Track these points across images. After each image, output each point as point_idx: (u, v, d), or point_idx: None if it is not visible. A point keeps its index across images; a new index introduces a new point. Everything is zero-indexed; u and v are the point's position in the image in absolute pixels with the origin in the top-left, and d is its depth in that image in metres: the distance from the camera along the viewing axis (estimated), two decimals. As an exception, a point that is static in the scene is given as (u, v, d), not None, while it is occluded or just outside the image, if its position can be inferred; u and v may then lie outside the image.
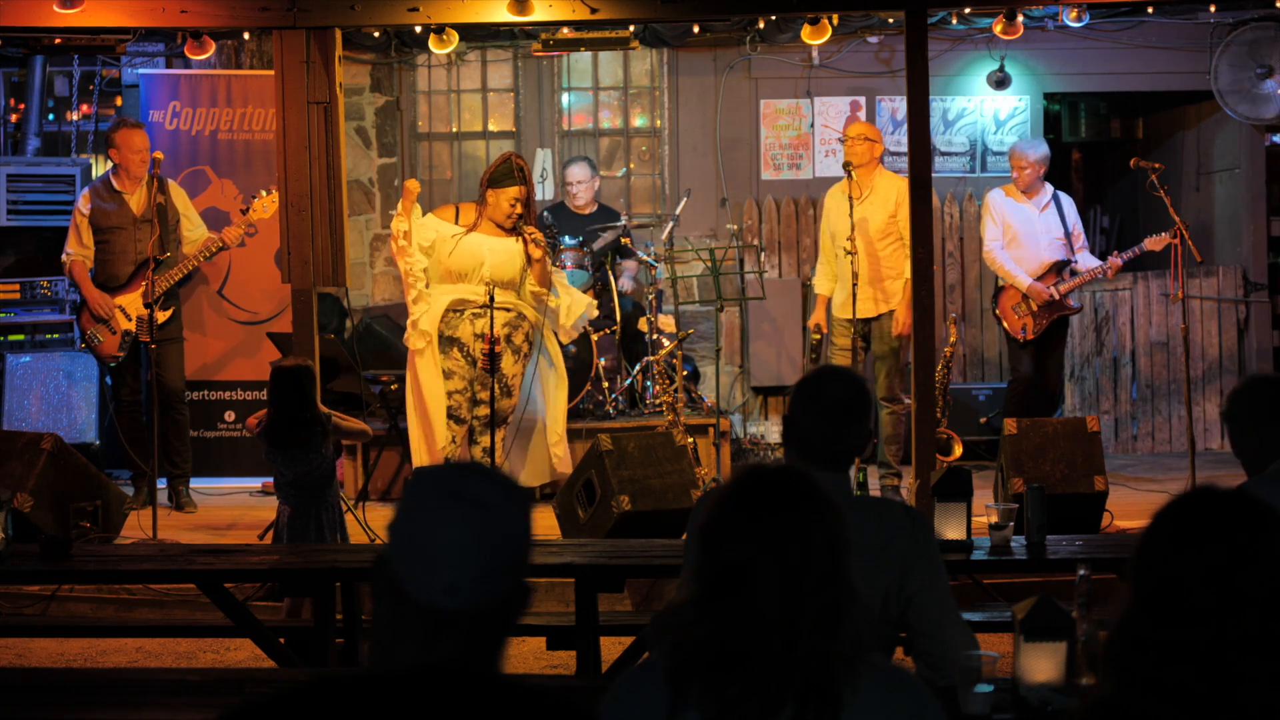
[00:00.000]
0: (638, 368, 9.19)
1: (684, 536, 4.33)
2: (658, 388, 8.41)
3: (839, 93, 10.35)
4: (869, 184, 8.32)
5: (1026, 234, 8.85)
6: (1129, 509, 7.50)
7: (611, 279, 9.12)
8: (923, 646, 3.35)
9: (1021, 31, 8.17)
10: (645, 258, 9.26)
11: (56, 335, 9.45)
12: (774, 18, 9.53)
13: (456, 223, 7.50)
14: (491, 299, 7.12)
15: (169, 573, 5.54)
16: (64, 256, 8.41)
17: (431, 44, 7.85)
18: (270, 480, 7.08)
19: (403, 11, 7.40)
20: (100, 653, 6.66)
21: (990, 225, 8.89)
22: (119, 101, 10.43)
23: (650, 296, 9.14)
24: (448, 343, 7.49)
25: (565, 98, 10.69)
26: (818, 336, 8.57)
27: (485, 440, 7.42)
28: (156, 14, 7.37)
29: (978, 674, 3.24)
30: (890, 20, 9.75)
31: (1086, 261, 8.87)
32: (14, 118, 10.53)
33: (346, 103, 8.81)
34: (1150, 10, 9.26)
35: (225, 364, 9.43)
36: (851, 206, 8.07)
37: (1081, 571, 3.47)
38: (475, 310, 7.40)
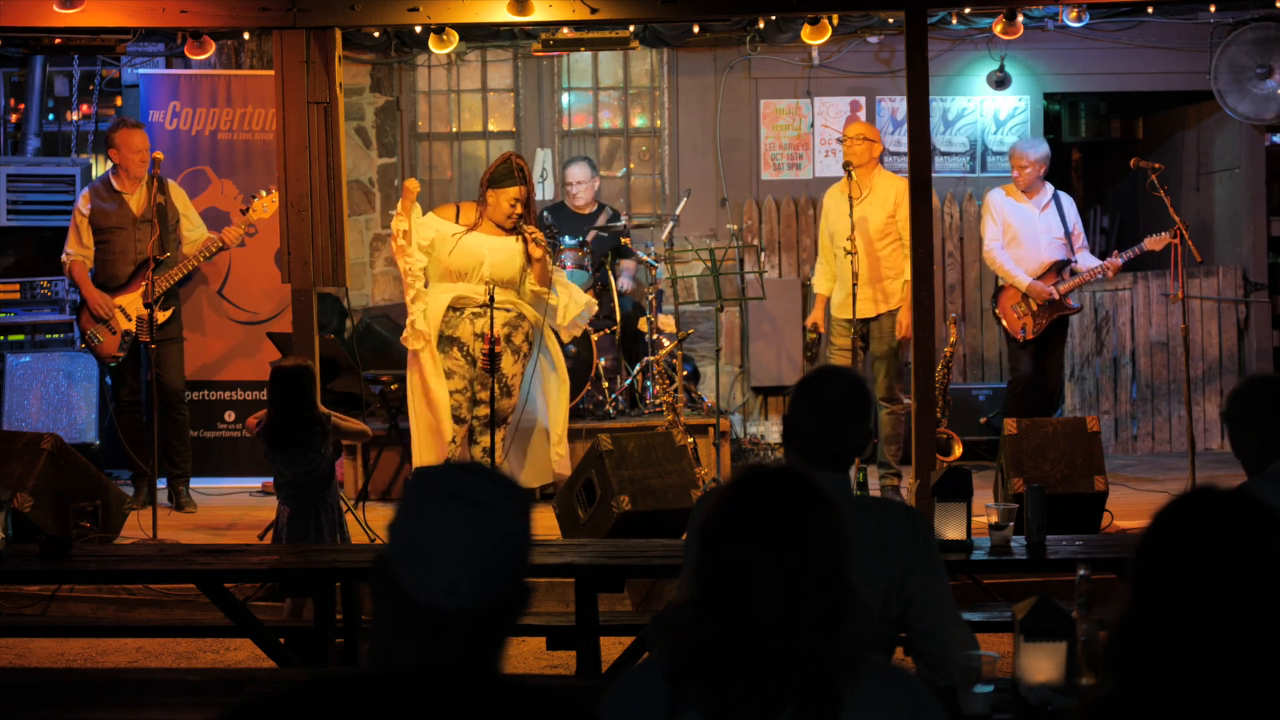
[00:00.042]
0: (638, 368, 9.19)
1: (684, 536, 4.34)
2: (658, 388, 8.41)
3: (839, 93, 10.35)
4: (868, 184, 8.33)
5: (1027, 234, 8.84)
6: (1129, 509, 7.50)
7: (611, 279, 9.12)
8: (923, 646, 3.35)
9: (1021, 31, 8.17)
10: (645, 258, 9.27)
11: (56, 335, 9.45)
12: (774, 18, 9.54)
13: (457, 222, 7.50)
14: (491, 299, 7.12)
15: (169, 573, 5.54)
16: (64, 256, 8.41)
17: (431, 44, 7.85)
18: (270, 480, 7.08)
19: (403, 11, 7.40)
20: (100, 653, 6.66)
21: (990, 225, 8.89)
22: (119, 101, 10.43)
23: (650, 296, 9.14)
24: (447, 342, 7.49)
25: (565, 98, 10.69)
26: (814, 335, 8.57)
27: (485, 440, 7.42)
28: (156, 14, 7.37)
29: (978, 674, 3.24)
30: (890, 20, 9.75)
31: (1086, 261, 8.87)
32: (14, 118, 10.53)
33: (346, 103, 8.81)
34: (1150, 10, 9.26)
35: (225, 364, 9.43)
36: (851, 206, 8.07)
37: (1081, 571, 3.47)
38: (475, 310, 7.40)
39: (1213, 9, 9.21)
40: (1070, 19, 8.93)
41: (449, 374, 7.49)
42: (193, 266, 8.35)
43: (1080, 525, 6.86)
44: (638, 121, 10.70)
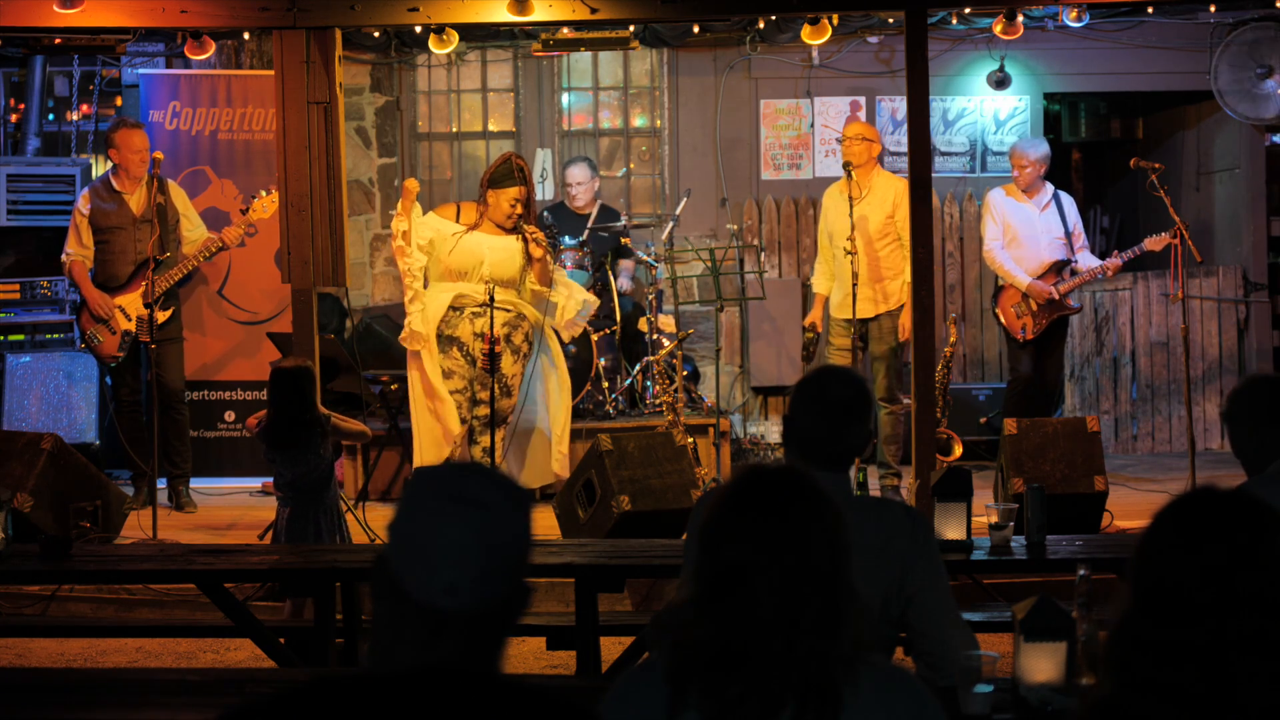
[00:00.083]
0: (638, 368, 9.19)
1: (684, 536, 4.34)
2: (658, 388, 8.41)
3: (839, 93, 10.35)
4: (867, 184, 8.32)
5: (1027, 233, 8.84)
6: (1129, 509, 7.50)
7: (611, 279, 9.12)
8: (923, 646, 3.35)
9: (1021, 31, 8.17)
10: (645, 257, 9.27)
11: (56, 335, 9.45)
12: (774, 18, 9.54)
13: (457, 222, 7.50)
14: (491, 298, 7.12)
15: (169, 573, 5.54)
16: (64, 256, 8.42)
17: (431, 44, 7.85)
18: (270, 480, 7.08)
19: (403, 11, 7.40)
20: (100, 653, 6.66)
21: (990, 224, 8.89)
22: (119, 101, 10.43)
23: (650, 296, 9.14)
24: (447, 342, 7.49)
25: (565, 98, 10.69)
26: (811, 335, 8.57)
27: (485, 440, 7.42)
28: (156, 14, 7.37)
29: (978, 674, 3.24)
30: (890, 20, 9.75)
31: (1086, 261, 8.87)
32: (14, 118, 10.53)
33: (346, 103, 8.81)
34: (1150, 10, 9.26)
35: (225, 364, 9.43)
36: (851, 206, 8.07)
37: (1081, 571, 3.47)
38: (475, 309, 7.40)
39: (1213, 9, 9.21)
40: (1070, 19, 8.93)
41: (449, 374, 7.49)
42: (193, 266, 8.35)
43: (1080, 525, 6.86)
44: (638, 121, 10.70)
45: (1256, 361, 10.14)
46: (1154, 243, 8.61)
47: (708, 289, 9.16)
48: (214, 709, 3.34)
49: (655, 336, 8.98)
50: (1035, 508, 5.13)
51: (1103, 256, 9.08)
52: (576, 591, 5.33)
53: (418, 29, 8.82)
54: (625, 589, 6.54)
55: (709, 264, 8.62)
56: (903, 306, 8.22)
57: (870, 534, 3.17)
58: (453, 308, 7.47)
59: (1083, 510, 7.03)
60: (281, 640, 5.52)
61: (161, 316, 8.06)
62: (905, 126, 7.72)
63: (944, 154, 10.32)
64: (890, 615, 3.29)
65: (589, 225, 9.27)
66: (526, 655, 6.38)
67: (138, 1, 7.36)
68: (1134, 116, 11.53)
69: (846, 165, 8.28)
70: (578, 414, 8.56)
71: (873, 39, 10.19)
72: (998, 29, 8.21)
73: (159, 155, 7.97)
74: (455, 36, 7.78)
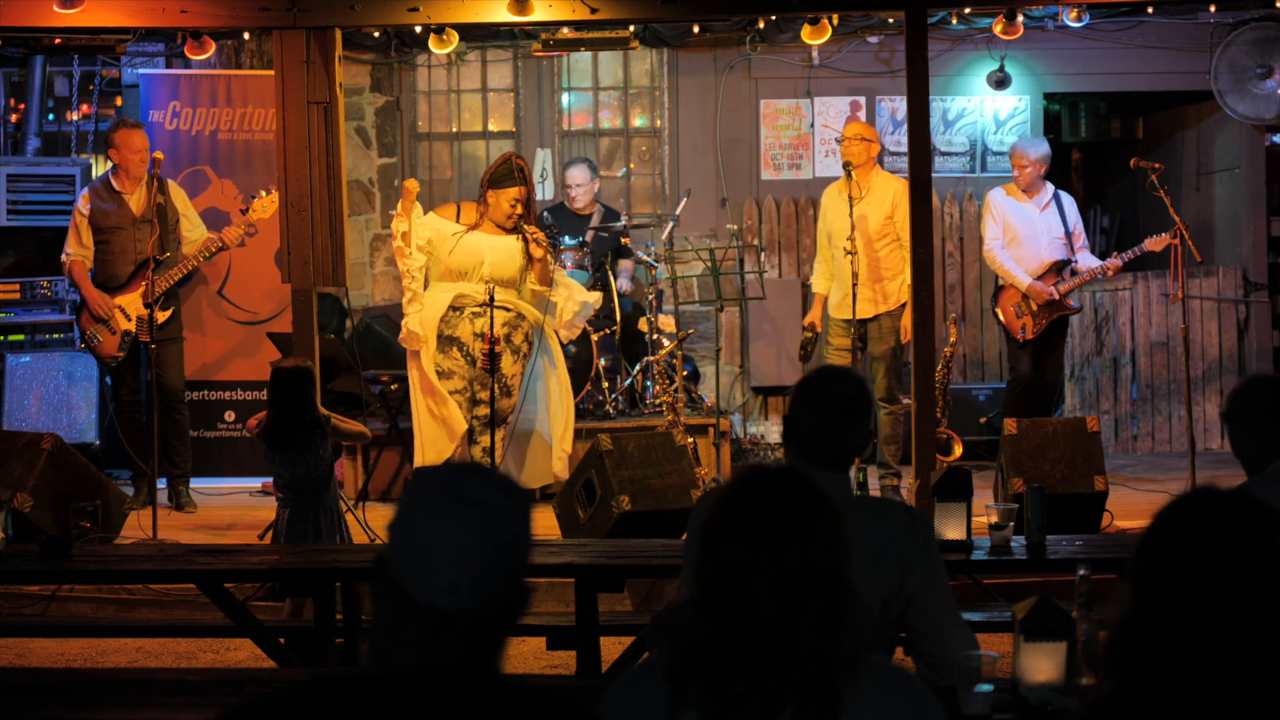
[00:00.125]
0: (638, 368, 9.19)
1: (684, 536, 4.33)
2: (658, 388, 8.41)
3: (839, 93, 10.35)
4: (866, 184, 8.32)
5: (1027, 233, 8.84)
6: (1129, 509, 7.50)
7: (611, 279, 9.12)
8: (923, 646, 3.35)
9: (1021, 31, 8.18)
10: (645, 257, 9.27)
11: (56, 335, 9.45)
12: (774, 18, 9.54)
13: (457, 222, 7.50)
14: (491, 298, 7.12)
15: (169, 573, 5.54)
16: (64, 256, 8.42)
17: (431, 44, 7.85)
18: (270, 480, 7.08)
19: (403, 11, 7.40)
20: (100, 653, 6.66)
21: (991, 224, 8.89)
22: (119, 101, 10.43)
23: (650, 296, 9.14)
24: (447, 342, 7.49)
25: (565, 98, 10.69)
26: (810, 335, 8.57)
27: (485, 440, 7.42)
28: (156, 14, 7.37)
29: (978, 674, 3.24)
30: (890, 20, 9.75)
31: (1087, 261, 8.87)
32: (14, 118, 10.53)
33: (346, 103, 8.81)
34: (1150, 10, 9.26)
35: (225, 364, 9.43)
36: (851, 206, 8.07)
37: (1081, 571, 3.47)
38: (475, 309, 7.40)
39: (1213, 9, 9.21)
40: (1070, 19, 8.93)
41: (449, 374, 7.49)
42: (192, 266, 8.35)
43: (1080, 525, 6.86)
44: (638, 121, 10.70)
45: (1256, 361, 10.14)
46: (1154, 243, 8.61)
47: (708, 289, 9.16)
48: (214, 709, 3.34)
49: (655, 336, 8.98)
50: (1035, 508, 5.13)
51: (1103, 256, 9.08)
52: (576, 591, 5.33)
53: (418, 29, 8.82)
54: (625, 589, 6.54)
55: (709, 264, 8.62)
56: (903, 306, 8.22)
57: (870, 534, 3.17)
58: (453, 308, 7.47)
59: (1083, 510, 7.02)
60: (281, 640, 5.52)
61: (161, 316, 8.06)
62: (905, 126, 7.72)
63: (944, 154, 10.32)
64: (890, 615, 3.29)
65: (591, 226, 9.27)
66: (526, 655, 6.38)
67: (138, 1, 7.36)
68: (1134, 116, 11.53)
69: (846, 165, 8.28)
70: (578, 414, 8.56)
71: (873, 39, 10.20)
72: (998, 29, 8.21)
73: (159, 155, 7.96)
74: (455, 36, 7.78)
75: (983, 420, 9.62)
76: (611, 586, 5.61)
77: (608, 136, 10.70)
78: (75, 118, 10.49)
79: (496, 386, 7.37)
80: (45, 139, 10.47)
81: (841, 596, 2.24)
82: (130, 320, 8.26)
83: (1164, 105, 11.09)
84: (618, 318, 9.11)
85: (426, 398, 7.51)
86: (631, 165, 10.68)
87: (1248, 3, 9.44)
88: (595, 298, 7.93)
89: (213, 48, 7.97)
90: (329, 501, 6.16)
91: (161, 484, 8.28)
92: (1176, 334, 9.63)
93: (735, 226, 9.90)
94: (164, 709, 4.08)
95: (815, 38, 7.97)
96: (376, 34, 9.92)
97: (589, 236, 9.12)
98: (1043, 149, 8.94)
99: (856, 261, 7.96)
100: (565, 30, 9.07)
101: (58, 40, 9.19)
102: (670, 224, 9.37)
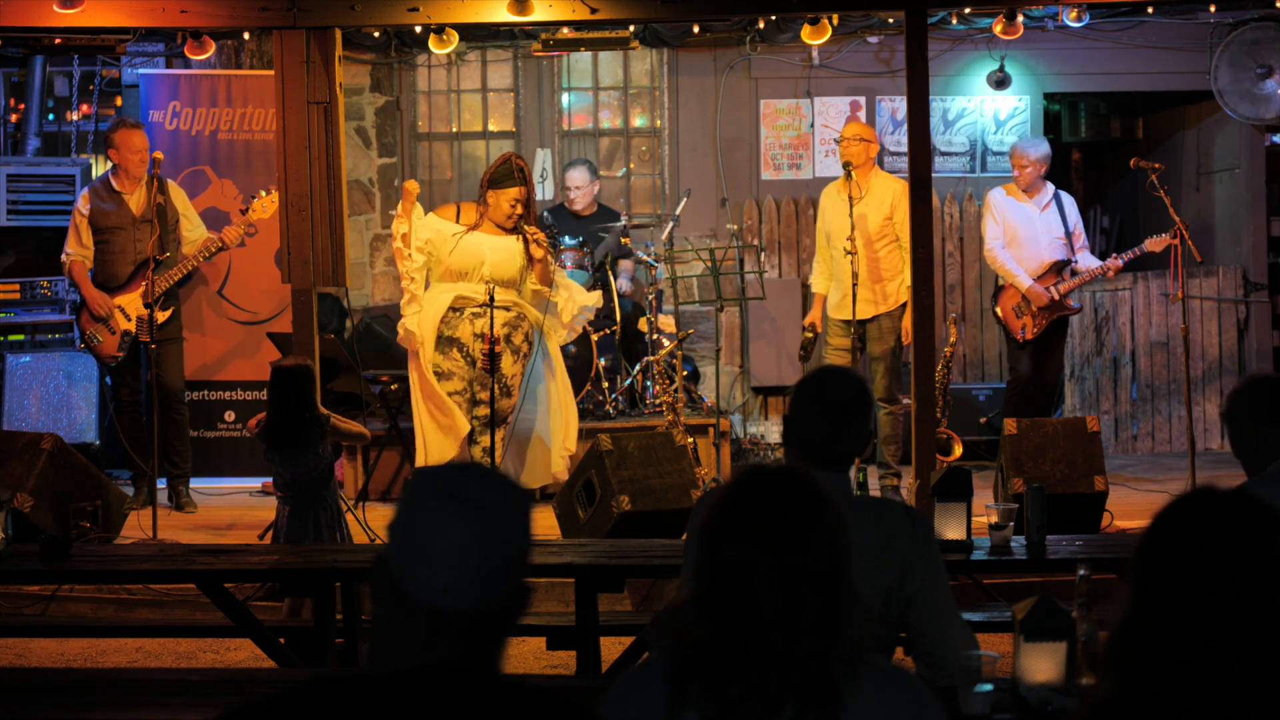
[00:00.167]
0: (638, 368, 9.19)
1: (684, 536, 4.34)
2: (658, 388, 8.41)
3: (839, 93, 10.35)
4: (865, 184, 8.32)
5: (1027, 233, 8.84)
6: (1129, 509, 7.50)
7: (611, 279, 9.12)
8: (923, 646, 3.35)
9: (1021, 31, 8.18)
10: (645, 258, 9.27)
11: (56, 335, 9.45)
12: (774, 18, 9.54)
13: (457, 222, 7.50)
14: (491, 298, 7.12)
15: (169, 573, 5.54)
16: (63, 256, 8.42)
17: (431, 44, 7.85)
18: (270, 480, 7.08)
19: (403, 11, 7.40)
20: (100, 653, 6.66)
21: (991, 224, 8.89)
22: (119, 101, 10.43)
23: (650, 296, 9.14)
24: (447, 342, 7.49)
25: (565, 98, 10.69)
26: (810, 335, 8.56)
27: (485, 440, 7.42)
28: (156, 14, 7.37)
29: (978, 674, 3.24)
30: (890, 20, 9.75)
31: (1087, 261, 8.87)
32: (14, 118, 10.53)
33: (346, 103, 8.81)
34: (1150, 10, 9.26)
35: (225, 364, 9.43)
36: (851, 206, 8.07)
37: (1081, 571, 3.47)
38: (475, 310, 7.40)
39: (1213, 9, 9.22)
40: (1070, 19, 8.93)
41: (449, 375, 7.48)
42: (192, 266, 8.35)
43: (1080, 525, 6.86)
44: (638, 121, 10.70)
45: (1256, 361, 10.14)
46: (1154, 243, 8.61)
47: (708, 289, 9.17)
48: (214, 709, 3.34)
49: (655, 336, 8.98)
50: (1035, 508, 5.13)
51: (1103, 256, 9.08)
52: (576, 591, 5.33)
53: (418, 29, 8.82)
54: (625, 589, 6.54)
55: (709, 264, 8.62)
56: (902, 307, 8.22)
57: (870, 534, 3.17)
58: (453, 308, 7.47)
59: (1083, 510, 7.03)
60: (281, 640, 5.52)
61: (161, 316, 8.06)
62: (905, 126, 7.72)
63: (944, 154, 10.32)
64: (890, 615, 3.29)
65: (599, 228, 9.26)
66: (526, 655, 6.38)
67: (138, 1, 7.37)
68: (1134, 116, 11.53)
69: (846, 165, 8.28)
70: (578, 414, 8.56)
71: (873, 39, 10.20)
72: (998, 29, 8.21)
73: (159, 155, 7.97)
74: (455, 36, 7.78)
75: (983, 420, 9.62)
76: (611, 586, 5.61)
77: (608, 136, 10.70)
78: (75, 118, 10.49)
79: (496, 387, 7.37)
80: (45, 139, 10.47)
81: (841, 596, 2.24)
82: (130, 320, 8.26)
83: (1164, 105, 11.09)
84: (618, 318, 9.11)
85: (428, 402, 7.51)
86: (631, 165, 10.68)
87: (1248, 3, 9.44)
88: (595, 300, 7.93)
89: (213, 48, 7.97)
90: (329, 500, 6.16)
91: (161, 484, 8.28)
92: (1176, 334, 9.63)
93: (735, 226, 9.90)
94: (164, 709, 4.08)
95: (815, 38, 7.97)
96: (376, 34, 9.92)
97: (599, 238, 9.12)
98: (1043, 149, 8.94)
99: (856, 262, 7.96)
100: (565, 30, 9.07)
101: (58, 40, 9.19)
102: (670, 224, 9.37)
